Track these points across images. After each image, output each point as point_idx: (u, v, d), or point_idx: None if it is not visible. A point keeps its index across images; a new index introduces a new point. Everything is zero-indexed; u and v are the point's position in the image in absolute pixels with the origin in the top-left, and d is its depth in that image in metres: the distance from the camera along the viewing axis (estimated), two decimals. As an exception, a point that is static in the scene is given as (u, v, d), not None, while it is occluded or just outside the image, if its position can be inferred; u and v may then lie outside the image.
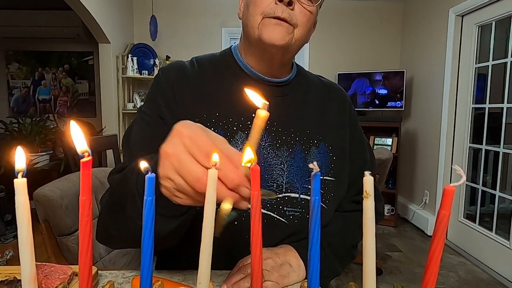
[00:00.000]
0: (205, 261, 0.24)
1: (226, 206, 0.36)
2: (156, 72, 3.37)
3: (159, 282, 0.28)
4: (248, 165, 0.31)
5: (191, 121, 0.41)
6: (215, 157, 0.25)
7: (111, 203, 0.55)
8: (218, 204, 0.37)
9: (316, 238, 0.20)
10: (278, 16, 0.62)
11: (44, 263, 0.56)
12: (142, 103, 0.72)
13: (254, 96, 0.32)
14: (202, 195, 0.34)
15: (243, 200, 0.37)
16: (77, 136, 0.23)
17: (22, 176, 0.22)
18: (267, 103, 0.32)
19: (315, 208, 0.21)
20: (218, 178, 0.34)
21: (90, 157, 0.23)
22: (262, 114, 0.30)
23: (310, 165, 0.22)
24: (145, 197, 0.22)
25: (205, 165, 0.36)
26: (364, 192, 0.21)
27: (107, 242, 0.62)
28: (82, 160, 0.21)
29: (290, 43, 0.64)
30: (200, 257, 0.24)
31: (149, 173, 0.22)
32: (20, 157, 0.21)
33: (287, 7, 0.62)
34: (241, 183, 0.36)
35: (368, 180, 0.21)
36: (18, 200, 0.21)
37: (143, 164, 0.24)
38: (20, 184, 0.21)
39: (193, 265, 0.42)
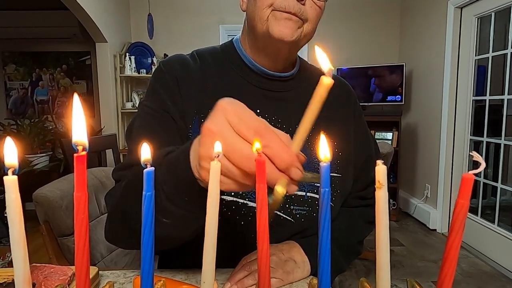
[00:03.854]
0: (209, 259, 0.22)
1: (280, 189, 0.32)
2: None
3: (161, 282, 0.27)
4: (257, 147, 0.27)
5: (233, 99, 0.37)
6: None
7: (128, 200, 0.51)
8: (268, 188, 0.33)
9: (327, 232, 0.19)
10: (289, 11, 0.60)
11: (44, 265, 0.55)
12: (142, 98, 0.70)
13: (322, 58, 0.26)
14: (250, 177, 0.32)
15: (292, 183, 0.34)
16: (78, 119, 0.21)
17: (13, 174, 0.21)
18: (332, 68, 0.27)
19: (324, 200, 0.20)
20: (268, 157, 0.32)
21: (85, 152, 0.22)
22: (326, 82, 0.25)
23: (320, 156, 0.21)
24: (144, 192, 0.21)
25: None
26: (376, 182, 0.20)
27: (118, 240, 0.59)
28: (76, 155, 0.20)
29: (299, 39, 0.63)
30: (204, 255, 0.23)
31: (148, 166, 0.21)
32: (10, 151, 0.20)
33: (298, 1, 0.60)
34: (293, 163, 0.33)
35: (381, 170, 0.20)
36: (8, 198, 0.20)
37: (144, 154, 0.22)
38: (11, 181, 0.20)
39: (197, 264, 0.41)
